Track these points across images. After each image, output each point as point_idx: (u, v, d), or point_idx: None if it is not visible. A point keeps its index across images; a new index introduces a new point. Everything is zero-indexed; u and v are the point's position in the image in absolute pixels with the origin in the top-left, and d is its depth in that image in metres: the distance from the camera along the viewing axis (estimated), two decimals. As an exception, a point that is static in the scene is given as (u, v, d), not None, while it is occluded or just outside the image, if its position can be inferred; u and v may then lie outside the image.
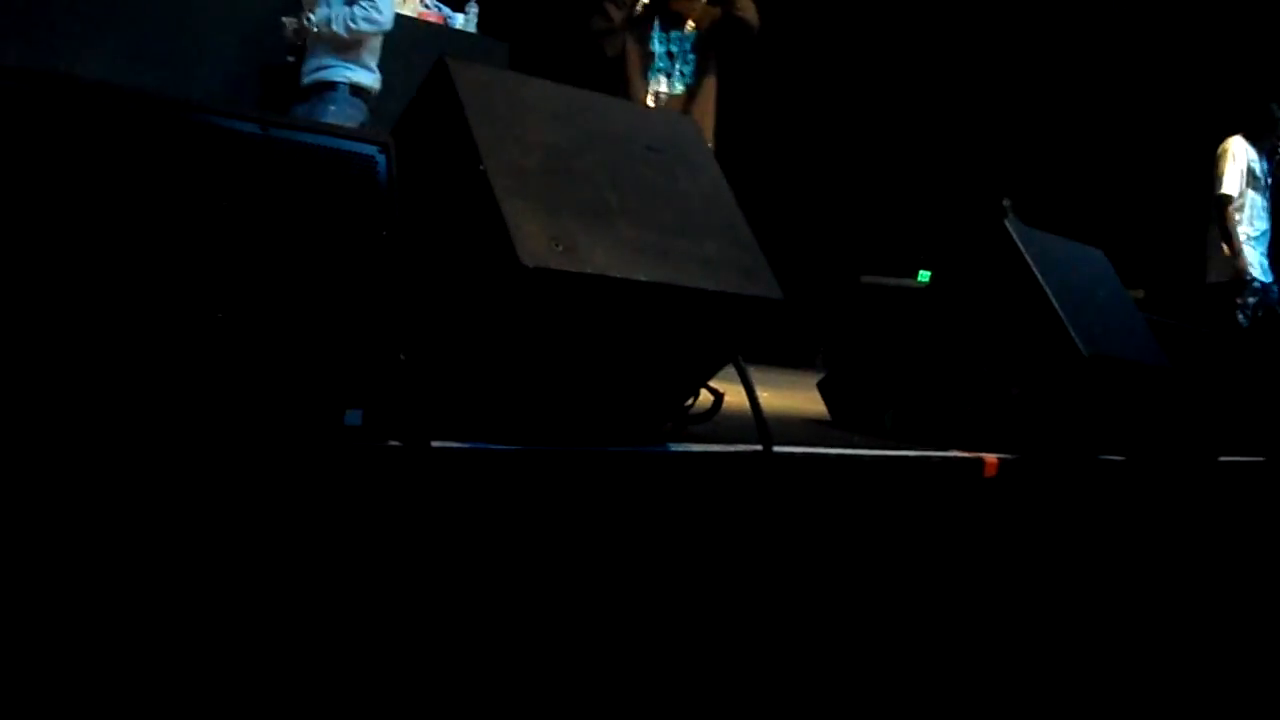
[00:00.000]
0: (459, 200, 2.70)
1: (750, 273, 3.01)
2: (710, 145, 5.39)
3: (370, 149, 2.55)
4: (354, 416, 2.42)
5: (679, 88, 6.11)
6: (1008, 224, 4.29)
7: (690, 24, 6.19)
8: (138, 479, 2.06)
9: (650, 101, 6.10)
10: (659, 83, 6.12)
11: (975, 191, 10.17)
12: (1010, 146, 10.95)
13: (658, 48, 6.19)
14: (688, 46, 6.16)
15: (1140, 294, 7.32)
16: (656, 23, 6.24)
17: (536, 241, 2.58)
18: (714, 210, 3.10)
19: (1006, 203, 6.50)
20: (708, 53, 6.18)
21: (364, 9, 5.86)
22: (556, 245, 2.61)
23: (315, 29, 5.95)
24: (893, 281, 5.76)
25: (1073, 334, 4.06)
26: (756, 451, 3.12)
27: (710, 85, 6.14)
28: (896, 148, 11.42)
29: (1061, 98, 10.82)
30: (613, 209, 2.81)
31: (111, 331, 2.10)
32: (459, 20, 7.82)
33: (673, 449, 3.01)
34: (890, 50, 11.52)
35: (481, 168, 2.65)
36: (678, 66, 6.11)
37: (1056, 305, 4.10)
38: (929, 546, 3.68)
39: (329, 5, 5.92)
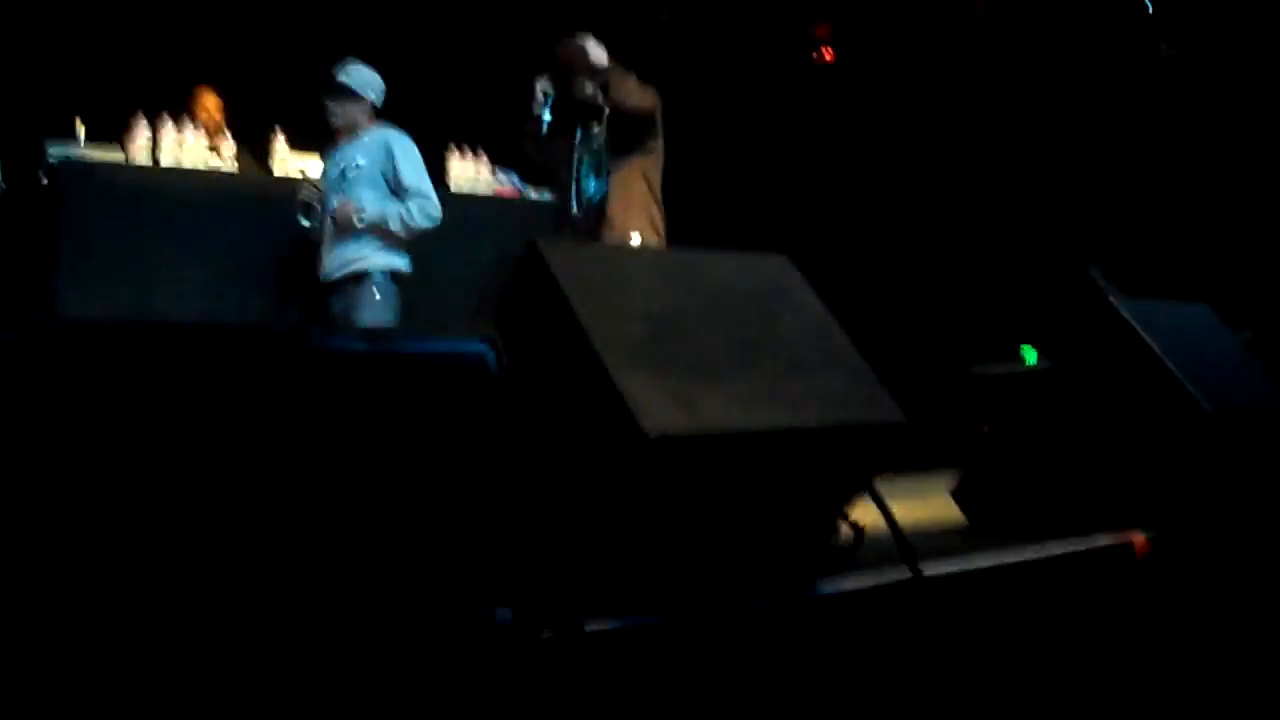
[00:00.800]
0: (571, 381, 2.72)
1: (870, 400, 3.00)
2: (656, 235, 5.28)
3: (479, 346, 2.57)
4: (504, 614, 2.42)
5: (604, 187, 5.74)
6: (1112, 298, 4.25)
7: (595, 124, 5.90)
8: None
9: (576, 209, 5.86)
10: (586, 188, 5.90)
11: (1057, 261, 10.08)
12: (1083, 207, 10.86)
13: (578, 154, 5.88)
14: (599, 145, 5.84)
15: (1249, 334, 7.22)
16: (578, 130, 5.92)
17: (656, 409, 2.59)
18: (822, 345, 3.10)
19: (1095, 272, 6.43)
20: (621, 145, 5.74)
21: (421, 205, 5.80)
22: (676, 410, 2.61)
23: (361, 222, 5.82)
24: (1004, 368, 5.69)
25: (1193, 393, 4.01)
26: (906, 578, 3.08)
27: (631, 176, 5.66)
28: (967, 225, 11.36)
29: (1131, 147, 10.74)
30: (723, 364, 2.82)
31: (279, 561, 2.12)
32: (533, 193, 7.84)
33: (823, 590, 2.98)
34: (944, 133, 11.52)
35: (591, 347, 2.67)
36: (599, 165, 5.78)
37: (1172, 367, 4.06)
38: (1096, 638, 3.61)
39: (375, 200, 5.88)
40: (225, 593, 2.06)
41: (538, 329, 2.83)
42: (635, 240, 5.14)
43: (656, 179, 5.60)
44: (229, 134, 7.19)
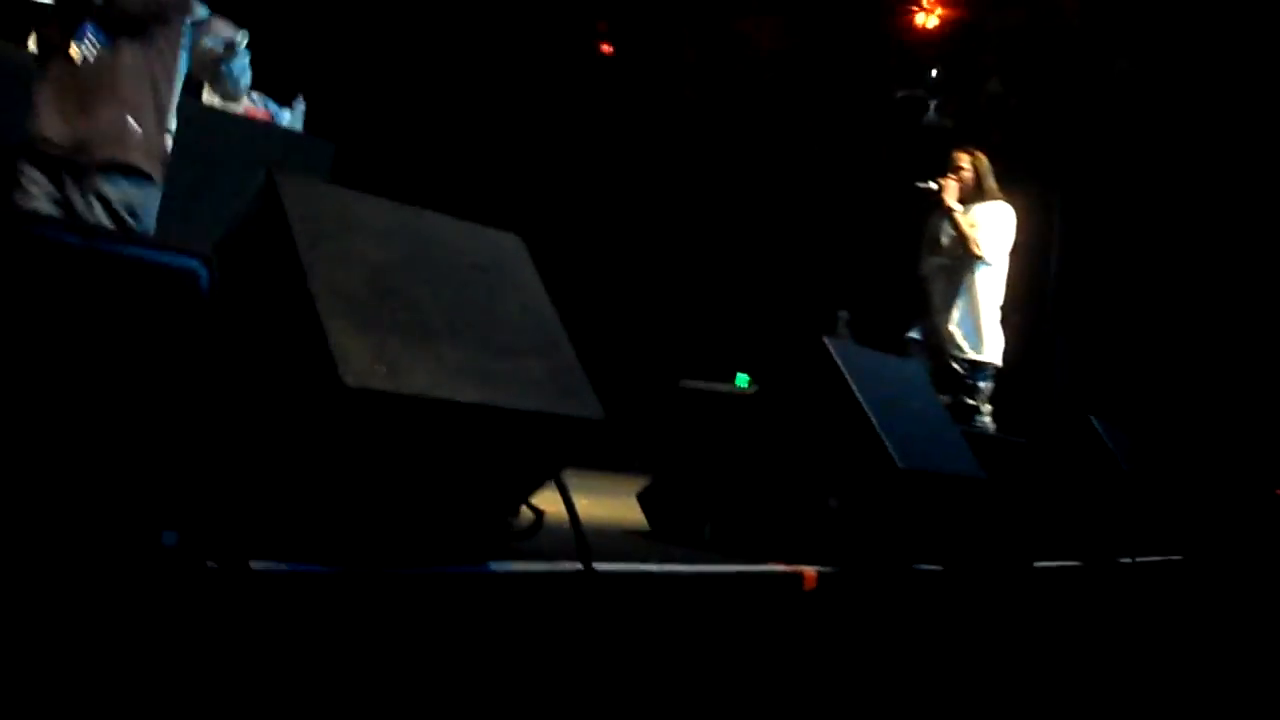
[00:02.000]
0: (283, 317, 2.69)
1: (571, 392, 3.04)
2: None
3: (192, 262, 2.53)
4: (170, 537, 2.38)
5: None
6: (826, 340, 4.38)
7: None
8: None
9: None
10: None
11: (799, 299, 10.34)
12: (835, 252, 11.15)
13: None
14: None
15: (948, 400, 7.50)
16: None
17: (359, 361, 2.59)
18: (536, 329, 3.13)
19: (844, 315, 6.65)
20: None
21: None
22: (379, 365, 2.61)
23: None
24: (712, 386, 5.79)
25: (889, 447, 4.16)
26: (578, 570, 3.13)
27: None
28: (718, 248, 11.57)
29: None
30: (436, 329, 2.83)
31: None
32: (286, 117, 7.74)
33: (494, 568, 3.01)
34: (716, 152, 11.71)
35: (307, 287, 2.65)
36: None
37: (873, 419, 4.20)
38: (751, 660, 3.71)
39: None
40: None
41: (260, 259, 2.79)
42: None
43: None
44: None
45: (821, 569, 4.01)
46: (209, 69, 6.14)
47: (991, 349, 7.03)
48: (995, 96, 11.00)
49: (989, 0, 10.97)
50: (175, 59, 4.75)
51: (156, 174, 4.58)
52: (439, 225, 3.16)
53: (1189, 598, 7.22)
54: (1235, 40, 9.87)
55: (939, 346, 7.04)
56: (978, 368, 6.97)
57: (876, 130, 11.34)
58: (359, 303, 2.72)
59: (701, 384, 5.63)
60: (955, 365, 6.95)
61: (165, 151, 4.64)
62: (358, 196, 3.04)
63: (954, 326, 7.03)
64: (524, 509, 3.25)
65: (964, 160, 7.20)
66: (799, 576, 3.93)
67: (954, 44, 11.18)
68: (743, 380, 8.03)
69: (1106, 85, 10.54)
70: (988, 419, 6.92)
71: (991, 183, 7.17)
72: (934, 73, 11.16)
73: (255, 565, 2.49)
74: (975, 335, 7.02)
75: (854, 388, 4.23)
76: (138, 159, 4.48)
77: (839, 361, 4.29)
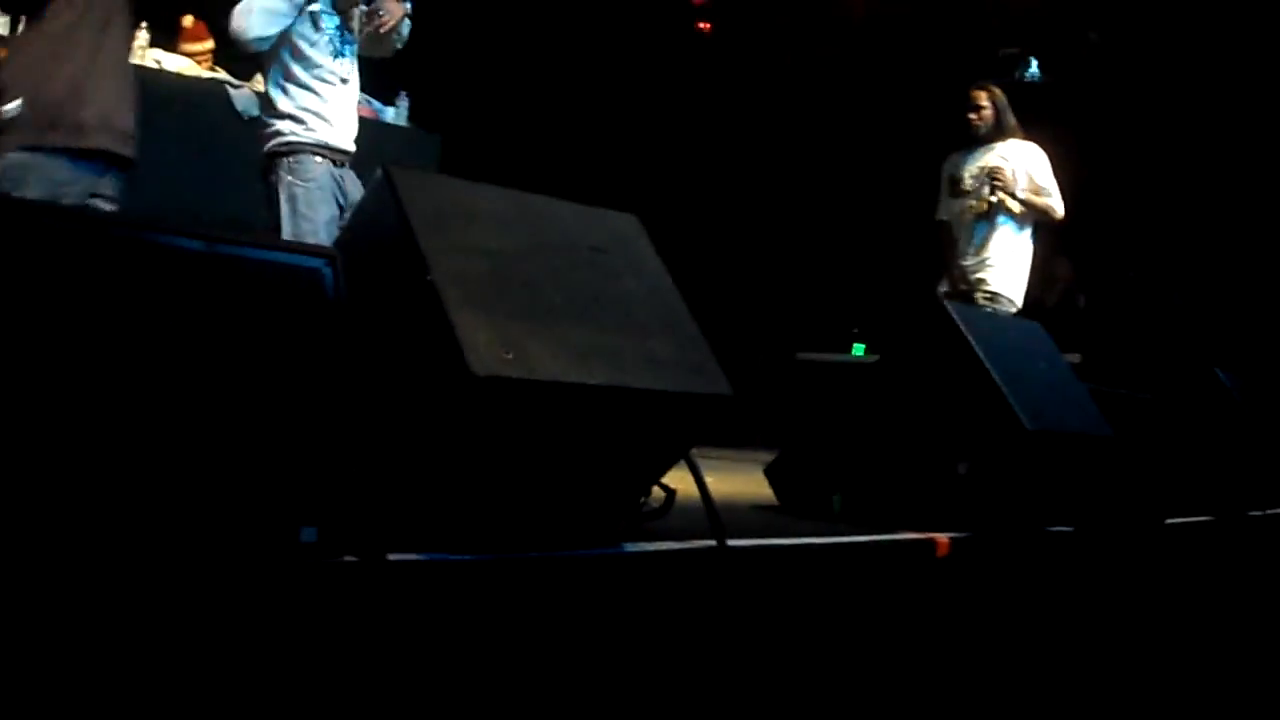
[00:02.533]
0: (407, 310, 2.71)
1: (699, 369, 3.03)
2: None
3: (316, 262, 2.55)
4: (309, 533, 2.40)
5: None
6: (947, 303, 4.34)
7: None
8: (97, 604, 2.04)
9: None
10: None
11: (908, 265, 10.25)
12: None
13: None
14: None
15: (1077, 358, 7.40)
16: None
17: (487, 350, 2.59)
18: (659, 308, 3.12)
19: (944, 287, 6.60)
20: None
21: None
22: (506, 353, 2.62)
23: None
24: (830, 357, 5.77)
25: (1016, 410, 4.11)
26: (711, 547, 3.13)
27: None
28: (826, 220, 11.50)
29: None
30: (560, 313, 2.83)
31: (65, 459, 2.08)
32: (390, 114, 7.82)
33: (628, 549, 3.01)
34: (821, 121, 11.63)
35: (429, 278, 2.66)
36: None
37: (999, 381, 4.15)
38: (887, 629, 3.69)
39: None
40: (32, 480, 2.03)
41: (381, 254, 2.81)
42: None
43: None
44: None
45: (954, 535, 3.97)
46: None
47: (1015, 286, 6.88)
48: (1095, 48, 10.80)
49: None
50: None
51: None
52: (555, 210, 3.16)
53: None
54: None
55: (967, 294, 6.82)
56: (997, 299, 6.80)
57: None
58: (482, 291, 2.72)
59: (820, 355, 5.63)
60: (980, 298, 6.76)
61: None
62: (472, 186, 3.05)
63: (987, 271, 6.85)
64: (655, 489, 3.25)
65: (982, 98, 6.99)
66: (931, 544, 3.90)
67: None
68: (859, 349, 8.01)
69: (1216, 34, 10.32)
70: None
71: (1011, 118, 6.96)
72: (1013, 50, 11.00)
73: (392, 557, 2.51)
74: (1007, 274, 6.86)
75: (978, 350, 4.18)
76: None
77: (960, 324, 4.24)
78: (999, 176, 6.79)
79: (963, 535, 4.01)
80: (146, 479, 2.18)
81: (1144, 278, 10.12)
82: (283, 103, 5.38)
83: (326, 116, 5.43)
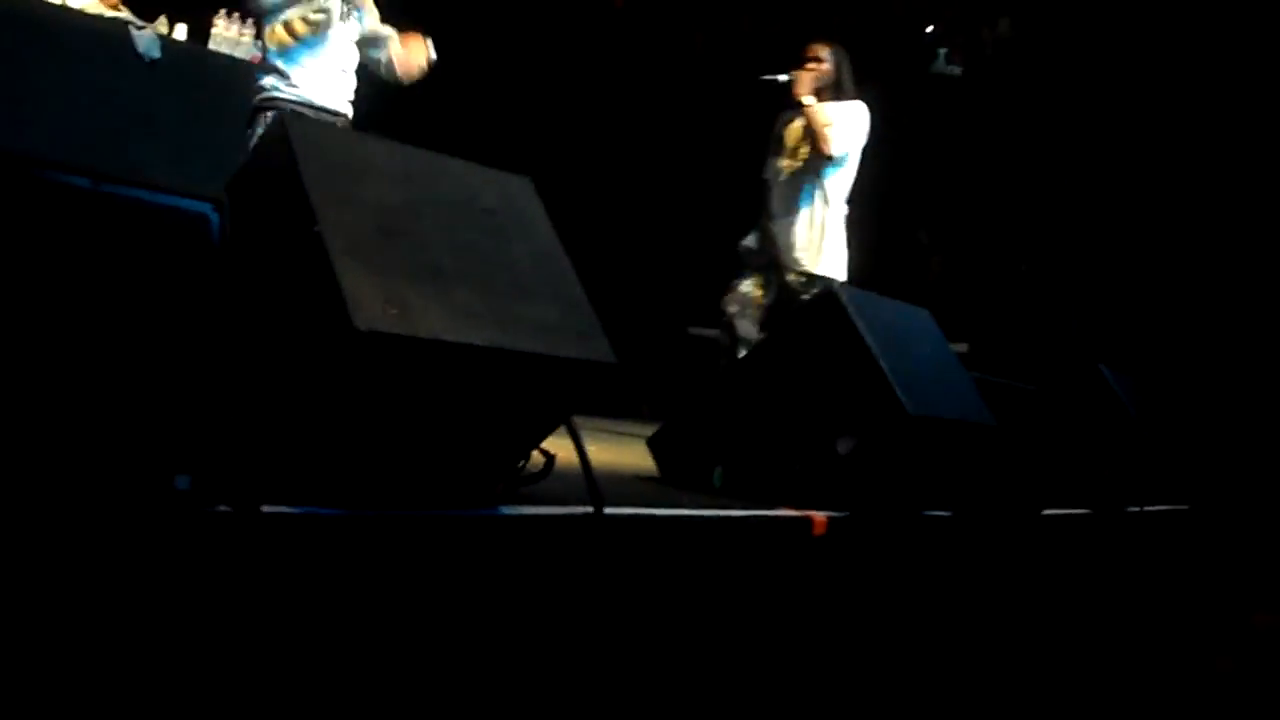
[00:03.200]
0: (293, 260, 2.68)
1: (584, 336, 3.04)
2: None
3: (203, 206, 2.52)
4: (183, 481, 2.38)
5: None
6: (835, 287, 4.37)
7: None
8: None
9: None
10: None
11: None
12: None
13: None
14: None
15: (964, 348, 7.49)
16: None
17: (370, 304, 2.58)
18: (548, 273, 3.12)
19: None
20: None
21: None
22: (391, 309, 2.61)
23: None
24: (718, 332, 5.77)
25: (898, 393, 4.15)
26: (588, 513, 3.14)
27: None
28: (722, 196, 11.55)
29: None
30: (447, 272, 2.82)
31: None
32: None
33: (504, 512, 3.01)
34: (726, 99, 11.66)
35: (316, 229, 2.64)
36: None
37: (883, 365, 4.19)
38: (761, 604, 3.73)
39: None
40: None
41: (269, 201, 2.78)
42: None
43: None
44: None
45: (831, 514, 4.01)
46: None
47: (832, 262, 6.47)
48: (1004, 39, 10.90)
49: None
50: None
51: None
52: (450, 168, 3.15)
53: (1195, 547, 7.24)
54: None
55: (775, 256, 6.49)
56: (814, 281, 6.25)
57: (885, 79, 11.26)
58: (370, 245, 2.71)
59: (710, 331, 5.63)
60: (791, 277, 6.39)
61: None
62: (367, 139, 3.04)
63: (794, 235, 6.47)
64: (535, 453, 3.25)
65: (823, 52, 6.58)
66: (808, 521, 3.94)
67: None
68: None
69: (1123, 31, 10.45)
70: None
71: (849, 81, 6.58)
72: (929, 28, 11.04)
73: (266, 509, 2.49)
74: (816, 246, 6.45)
75: (864, 334, 4.22)
76: None
77: (848, 308, 4.28)
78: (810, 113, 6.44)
79: (840, 515, 4.05)
80: (19, 417, 2.15)
81: (1036, 272, 10.26)
82: (271, 57, 5.42)
83: (314, 73, 5.43)
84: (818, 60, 6.54)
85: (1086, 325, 10.10)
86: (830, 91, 6.49)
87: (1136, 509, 6.53)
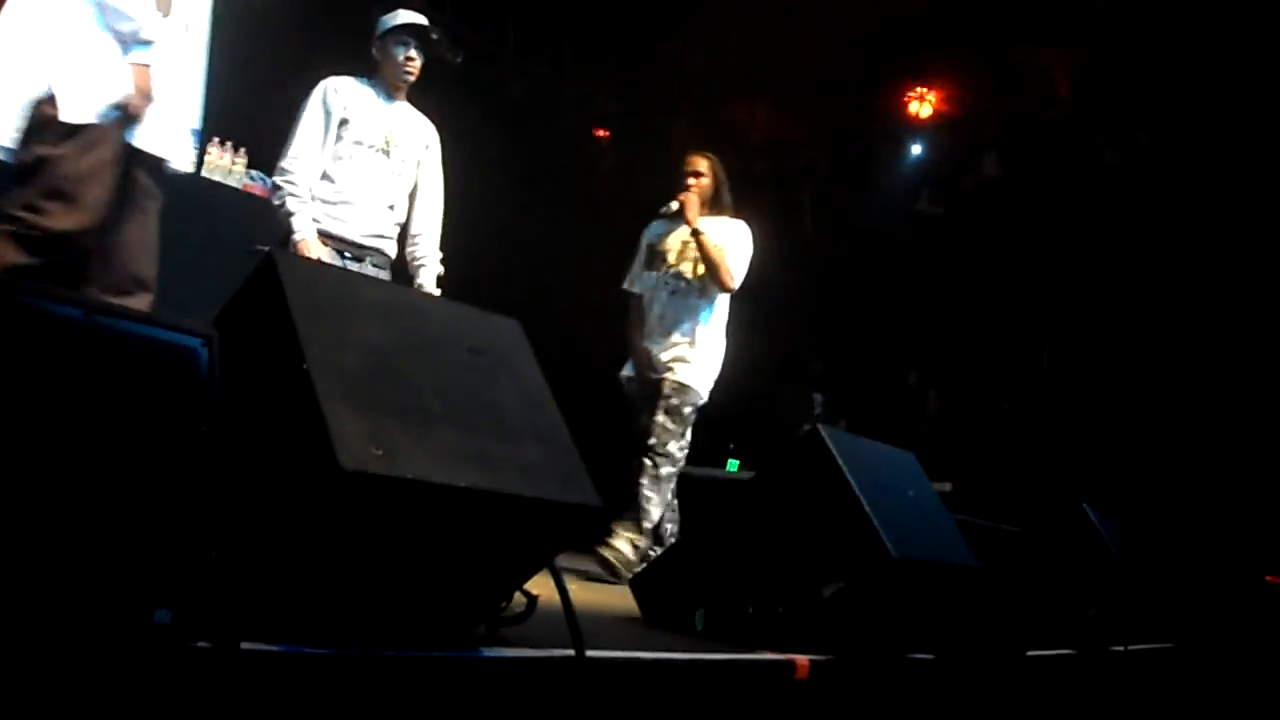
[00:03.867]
0: (281, 397, 2.69)
1: (568, 479, 3.04)
2: None
3: (193, 341, 2.53)
4: (163, 615, 2.37)
5: None
6: (821, 428, 4.38)
7: None
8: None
9: None
10: None
11: (787, 387, 10.34)
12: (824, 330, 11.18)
13: None
14: None
15: (948, 487, 7.50)
16: None
17: (356, 444, 2.58)
18: (533, 414, 3.13)
19: (819, 398, 6.59)
20: None
21: None
22: (376, 449, 2.61)
23: None
24: (702, 472, 5.76)
25: (883, 537, 4.14)
26: (569, 656, 3.11)
27: None
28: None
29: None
30: (434, 413, 2.83)
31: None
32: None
33: (486, 654, 2.99)
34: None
35: (305, 366, 2.65)
36: None
37: (867, 508, 4.18)
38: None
39: None
40: None
41: (258, 337, 2.79)
42: None
43: None
44: None
45: (814, 658, 3.98)
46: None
47: (707, 378, 6.41)
48: (988, 181, 11.02)
49: (982, 90, 11.06)
50: None
51: None
52: (436, 308, 3.18)
53: (1181, 686, 7.20)
54: (1229, 130, 9.95)
55: (647, 370, 6.40)
56: (686, 393, 6.29)
57: (869, 217, 11.40)
58: (357, 384, 2.72)
59: (694, 469, 5.62)
60: (667, 386, 6.29)
61: None
62: (355, 277, 3.07)
63: (675, 351, 6.38)
64: (517, 594, 3.24)
65: (702, 165, 6.53)
66: (791, 665, 3.91)
67: (946, 132, 11.28)
68: (733, 466, 8.04)
69: (1097, 174, 10.60)
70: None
71: (727, 194, 6.55)
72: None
73: (246, 645, 2.47)
74: (701, 367, 6.40)
75: (848, 476, 4.22)
76: None
77: (833, 450, 4.28)
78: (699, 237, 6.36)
79: (824, 658, 4.02)
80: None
81: (1019, 411, 10.30)
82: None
83: (340, 205, 5.36)
84: (698, 175, 6.50)
85: (1069, 464, 10.13)
86: (712, 206, 6.47)
87: (1121, 648, 6.50)
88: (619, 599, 4.79)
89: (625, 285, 6.64)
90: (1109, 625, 6.46)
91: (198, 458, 2.45)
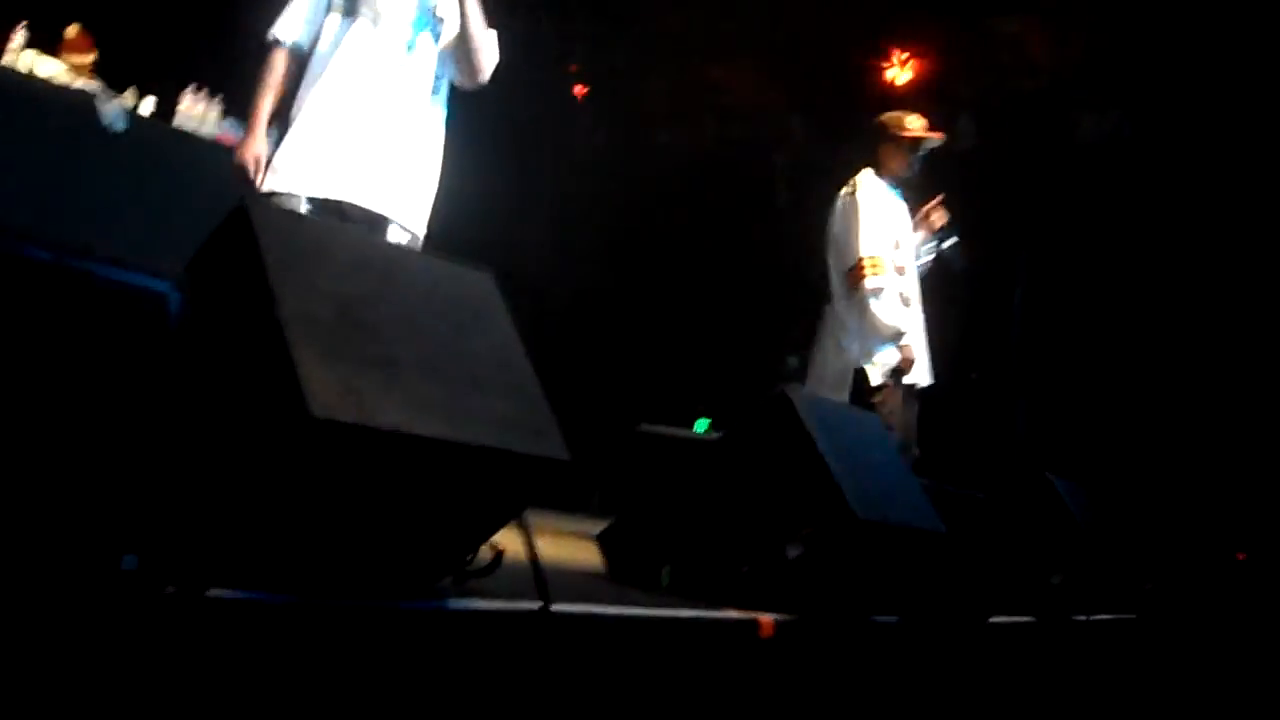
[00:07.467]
0: (251, 345, 2.68)
1: (538, 432, 3.04)
2: None
3: (163, 286, 2.52)
4: (130, 561, 2.37)
5: None
6: (788, 390, 4.39)
7: None
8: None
9: None
10: None
11: (759, 349, 10.36)
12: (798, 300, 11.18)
13: None
14: None
15: (916, 453, 7.52)
16: None
17: (326, 393, 2.58)
18: (505, 368, 3.13)
19: (794, 360, 6.61)
20: None
21: None
22: (347, 398, 2.61)
23: None
24: (671, 431, 5.77)
25: (848, 498, 4.16)
26: (535, 609, 3.13)
27: None
28: (680, 295, 11.61)
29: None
30: (405, 363, 2.82)
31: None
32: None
33: (451, 605, 3.00)
34: (684, 197, 11.76)
35: (276, 315, 2.64)
36: None
37: (832, 470, 4.20)
38: (706, 706, 3.71)
39: None
40: None
41: (230, 286, 2.78)
42: None
43: None
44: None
45: (779, 617, 4.01)
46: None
47: None
48: (964, 138, 11.01)
49: (960, 60, 11.06)
50: None
51: None
52: (411, 260, 3.17)
53: (1142, 658, 7.26)
54: (1205, 101, 9.98)
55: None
56: None
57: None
58: (328, 333, 2.71)
59: (662, 429, 5.63)
60: None
61: None
62: (329, 227, 3.05)
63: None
64: (483, 547, 3.25)
65: None
66: (755, 623, 3.93)
67: (923, 100, 11.28)
68: (702, 425, 8.07)
69: (1072, 145, 10.62)
70: None
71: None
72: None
73: (212, 593, 2.48)
74: None
75: (815, 438, 4.24)
76: None
77: (801, 412, 4.30)
78: None
79: (788, 618, 4.04)
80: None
81: (987, 379, 10.34)
82: None
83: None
84: None
85: (1035, 433, 10.18)
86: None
87: (1083, 618, 6.55)
88: (586, 554, 4.80)
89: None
90: (1072, 594, 6.50)
91: (165, 403, 2.45)
